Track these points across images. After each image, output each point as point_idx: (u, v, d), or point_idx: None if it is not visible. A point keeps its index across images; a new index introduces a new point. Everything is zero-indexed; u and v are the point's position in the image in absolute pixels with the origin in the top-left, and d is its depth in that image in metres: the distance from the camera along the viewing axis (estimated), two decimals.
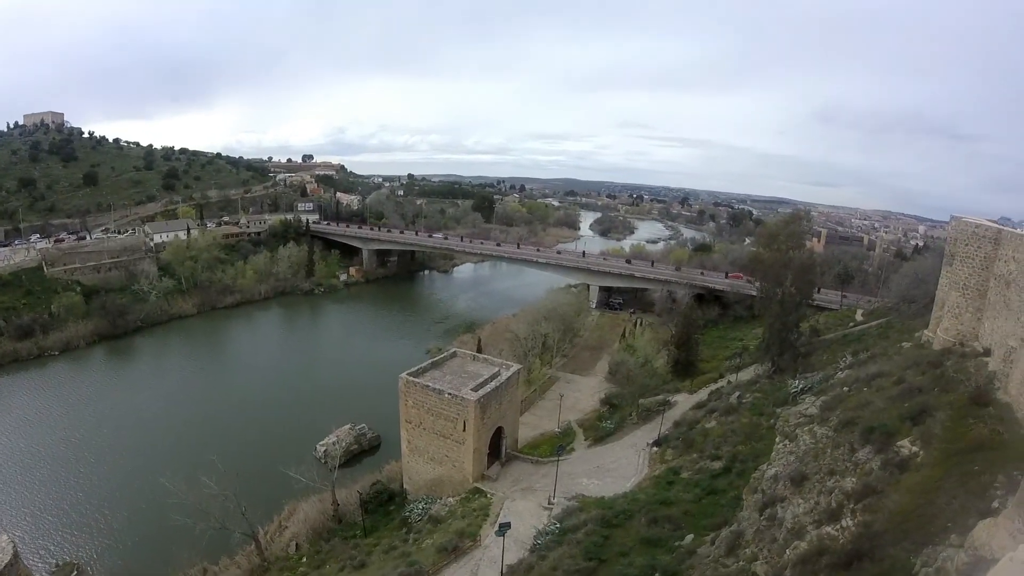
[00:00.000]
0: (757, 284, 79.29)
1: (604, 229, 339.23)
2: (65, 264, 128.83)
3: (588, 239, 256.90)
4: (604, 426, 67.71)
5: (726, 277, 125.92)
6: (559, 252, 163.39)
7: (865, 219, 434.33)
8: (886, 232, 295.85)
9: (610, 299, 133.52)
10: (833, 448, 24.98)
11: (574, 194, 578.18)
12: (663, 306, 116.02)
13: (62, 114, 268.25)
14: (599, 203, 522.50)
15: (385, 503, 57.96)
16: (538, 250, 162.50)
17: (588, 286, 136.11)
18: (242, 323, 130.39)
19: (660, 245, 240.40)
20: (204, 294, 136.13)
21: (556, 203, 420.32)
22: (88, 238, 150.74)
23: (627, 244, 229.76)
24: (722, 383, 71.74)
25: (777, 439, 31.88)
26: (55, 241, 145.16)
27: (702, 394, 70.36)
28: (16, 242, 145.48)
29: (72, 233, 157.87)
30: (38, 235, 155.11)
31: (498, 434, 57.76)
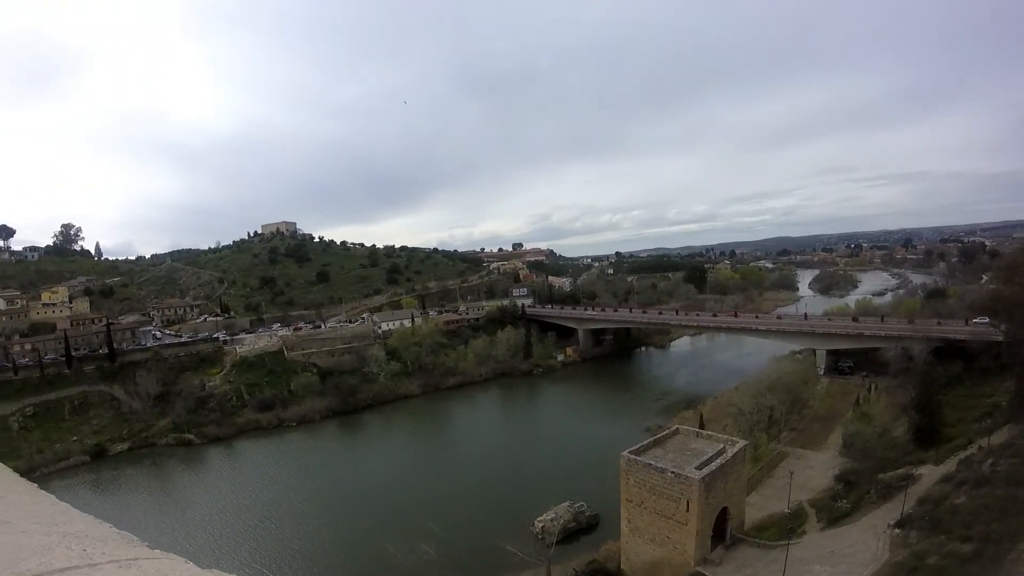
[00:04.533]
0: (1002, 327, 68.10)
1: (824, 287, 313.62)
2: (303, 349, 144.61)
3: (808, 299, 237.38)
4: (839, 506, 60.03)
5: (966, 324, 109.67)
6: (779, 317, 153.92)
7: None
8: None
9: (839, 363, 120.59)
10: None
11: (787, 253, 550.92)
12: (898, 366, 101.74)
13: (294, 223, 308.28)
14: (815, 259, 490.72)
15: None
16: (756, 317, 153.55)
17: (814, 351, 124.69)
18: (463, 403, 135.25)
19: (888, 297, 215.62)
20: (428, 376, 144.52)
21: (770, 265, 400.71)
22: (323, 327, 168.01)
23: (851, 300, 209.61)
24: (972, 449, 61.60)
25: None
26: (294, 329, 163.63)
27: (950, 464, 60.30)
28: (260, 330, 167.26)
29: (308, 323, 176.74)
30: (279, 324, 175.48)
31: (723, 515, 53.27)
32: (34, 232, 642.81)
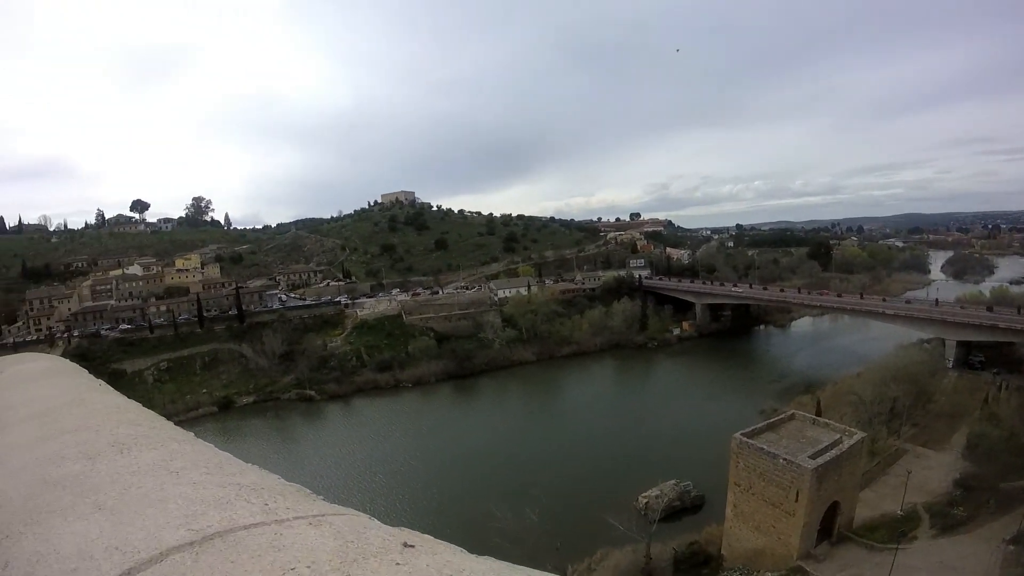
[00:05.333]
0: None
1: (957, 271, 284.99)
2: (421, 314, 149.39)
3: (940, 284, 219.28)
4: (954, 513, 55.84)
5: None
6: (907, 301, 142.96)
7: None
8: None
9: (969, 356, 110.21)
10: None
11: (919, 231, 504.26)
12: None
13: (413, 192, 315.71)
14: (948, 239, 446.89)
15: (699, 565, 54.45)
16: (883, 300, 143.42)
17: (943, 341, 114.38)
18: (576, 372, 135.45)
19: None
20: (542, 344, 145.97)
21: (899, 243, 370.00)
22: (440, 293, 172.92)
23: (986, 287, 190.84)
24: None
25: None
26: (412, 294, 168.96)
27: None
28: (380, 295, 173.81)
29: (426, 288, 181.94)
30: (398, 289, 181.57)
31: (832, 509, 50.83)
32: (168, 206, 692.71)
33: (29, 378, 7.82)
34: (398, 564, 1.87)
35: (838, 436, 53.12)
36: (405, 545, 2.06)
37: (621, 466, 78.91)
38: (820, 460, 47.53)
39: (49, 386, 6.97)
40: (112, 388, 6.95)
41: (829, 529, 51.74)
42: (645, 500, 65.93)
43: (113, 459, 3.64)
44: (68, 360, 10.65)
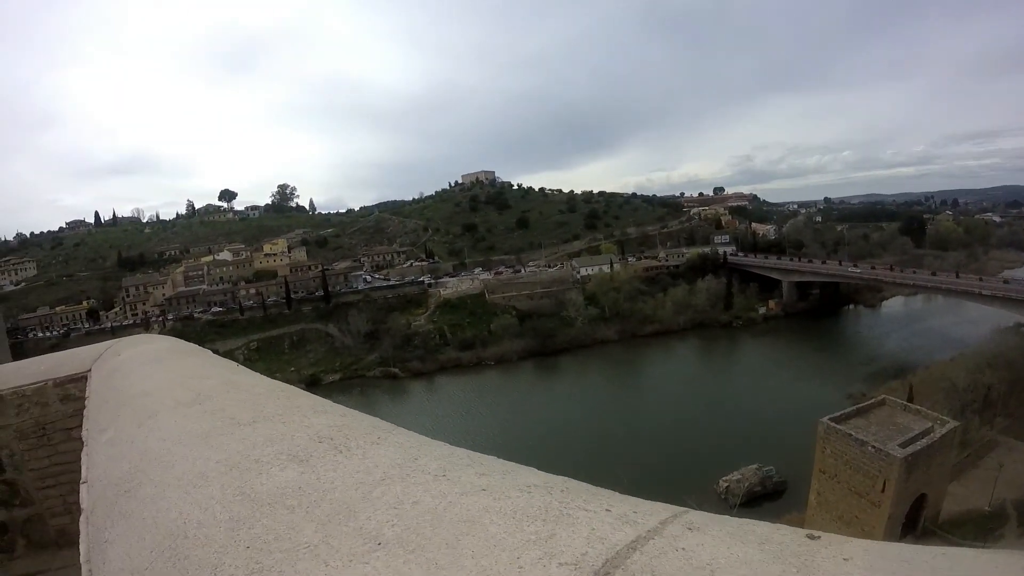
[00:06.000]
0: None
1: None
2: (503, 292, 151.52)
3: None
4: None
5: None
6: (1006, 282, 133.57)
7: None
8: None
9: None
10: None
11: (1018, 205, 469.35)
12: None
13: (493, 171, 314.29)
14: None
15: None
16: (980, 279, 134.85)
17: None
18: (659, 351, 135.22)
19: None
20: (625, 322, 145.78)
21: (997, 219, 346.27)
22: (522, 271, 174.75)
23: None
24: None
25: None
26: (495, 274, 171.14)
27: None
28: (463, 274, 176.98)
29: (509, 267, 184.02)
30: (480, 268, 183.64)
31: (919, 502, 49.46)
32: (255, 194, 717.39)
33: (154, 359, 6.78)
34: None
35: (930, 424, 51.28)
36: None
37: (703, 448, 78.49)
38: (910, 449, 46.09)
39: (182, 368, 6.08)
40: (248, 369, 6.30)
41: (915, 522, 50.29)
42: (726, 484, 65.87)
43: (335, 460, 2.62)
44: (185, 341, 9.32)
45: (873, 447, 46.83)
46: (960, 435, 60.25)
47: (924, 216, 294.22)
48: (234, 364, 6.45)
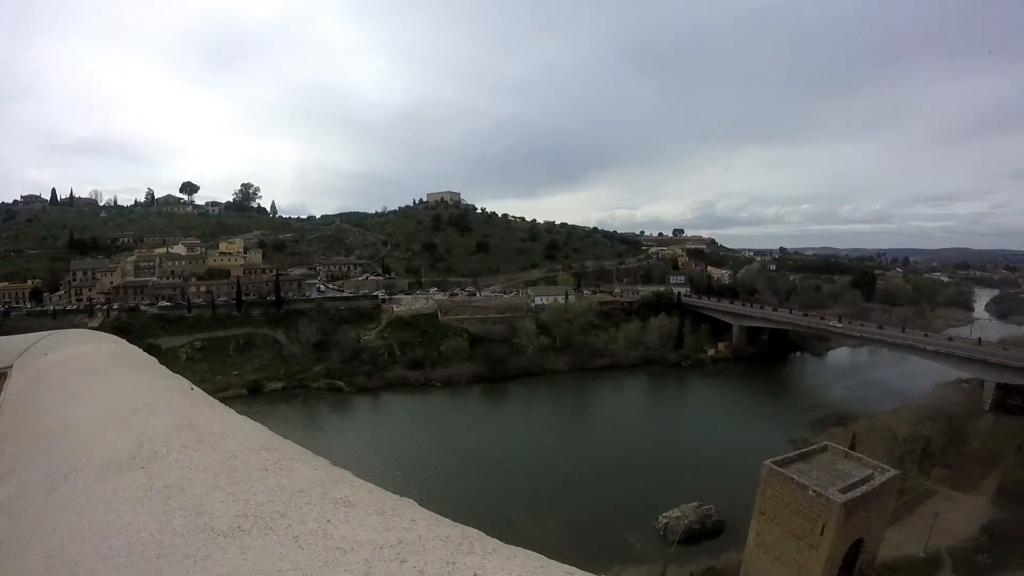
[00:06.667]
0: None
1: (1003, 310, 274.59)
2: (456, 314, 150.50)
3: (983, 323, 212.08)
4: (979, 560, 55.59)
5: None
6: (950, 338, 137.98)
7: None
8: None
9: (1006, 399, 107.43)
10: None
11: (966, 267, 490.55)
12: None
13: (458, 193, 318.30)
14: (996, 277, 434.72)
15: None
16: (925, 335, 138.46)
17: (983, 382, 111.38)
18: (608, 385, 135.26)
19: None
20: (576, 354, 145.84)
21: (945, 278, 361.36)
22: (478, 295, 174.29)
23: None
24: None
25: None
26: (450, 295, 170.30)
27: None
28: (418, 292, 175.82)
29: (464, 290, 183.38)
30: (436, 288, 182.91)
31: (857, 546, 49.88)
32: (217, 190, 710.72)
33: (88, 368, 5.81)
34: None
35: (871, 472, 52.03)
36: None
37: (644, 483, 78.34)
38: (850, 495, 46.53)
39: (123, 389, 5.08)
40: (208, 396, 5.16)
41: (851, 566, 50.62)
42: (665, 520, 65.36)
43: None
44: (129, 343, 7.81)
45: (814, 491, 47.07)
46: (899, 483, 61.76)
47: (875, 272, 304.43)
48: (188, 385, 5.53)
